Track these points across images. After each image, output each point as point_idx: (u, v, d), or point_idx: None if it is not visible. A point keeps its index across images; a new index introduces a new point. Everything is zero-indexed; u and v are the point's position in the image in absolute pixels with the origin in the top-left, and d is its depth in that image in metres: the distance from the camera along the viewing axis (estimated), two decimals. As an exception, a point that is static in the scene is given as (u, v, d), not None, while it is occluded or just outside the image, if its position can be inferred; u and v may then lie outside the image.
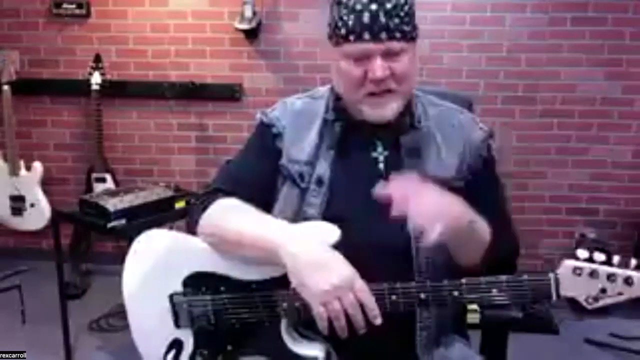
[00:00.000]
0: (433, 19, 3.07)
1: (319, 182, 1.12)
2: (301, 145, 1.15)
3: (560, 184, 3.15)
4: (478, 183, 1.15)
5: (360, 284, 0.94)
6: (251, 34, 3.12)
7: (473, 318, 1.50)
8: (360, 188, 1.11)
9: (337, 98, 1.17)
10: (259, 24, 3.10)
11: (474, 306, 1.54)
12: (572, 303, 3.07)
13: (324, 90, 1.23)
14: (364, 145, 1.15)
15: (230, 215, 1.08)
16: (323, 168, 1.13)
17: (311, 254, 0.96)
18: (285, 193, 1.15)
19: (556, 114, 3.11)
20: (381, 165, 1.14)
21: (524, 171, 3.09)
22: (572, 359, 2.51)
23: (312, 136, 1.15)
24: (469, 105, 1.42)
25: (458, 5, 3.06)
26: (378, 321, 0.94)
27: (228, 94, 3.23)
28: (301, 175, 1.13)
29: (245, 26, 3.03)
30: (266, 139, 1.19)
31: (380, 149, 1.15)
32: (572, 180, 3.16)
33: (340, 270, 0.94)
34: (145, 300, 1.14)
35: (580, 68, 3.05)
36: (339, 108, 1.16)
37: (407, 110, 1.14)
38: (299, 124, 1.18)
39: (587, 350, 2.56)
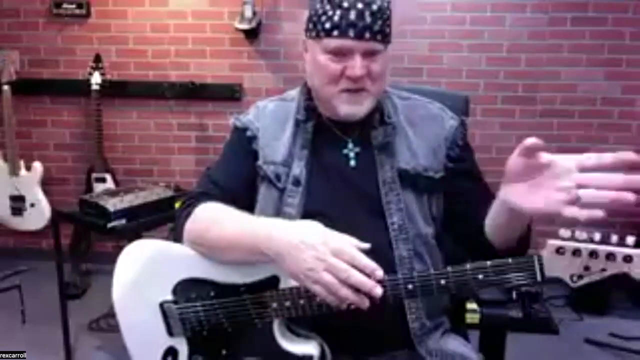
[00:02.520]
0: (433, 19, 3.08)
1: (296, 182, 1.13)
2: (276, 146, 1.17)
3: (560, 184, 3.15)
4: (465, 169, 1.17)
5: (335, 246, 0.89)
6: (251, 34, 3.13)
7: (473, 318, 1.50)
8: (335, 185, 1.14)
9: (308, 98, 1.18)
10: (259, 24, 3.10)
11: (474, 306, 1.54)
12: (572, 302, 3.05)
13: (294, 92, 1.25)
14: (335, 143, 1.17)
15: (212, 219, 1.08)
16: (299, 168, 1.14)
17: (286, 240, 0.93)
18: (264, 193, 1.16)
19: (556, 114, 3.11)
20: (352, 162, 1.16)
21: (524, 171, 3.09)
22: (572, 359, 2.51)
23: (286, 137, 1.17)
24: (465, 103, 1.43)
25: (458, 5, 3.06)
26: (379, 273, 0.89)
27: (228, 94, 3.23)
28: (277, 176, 1.14)
29: (245, 26, 3.03)
30: (242, 142, 1.20)
31: (350, 145, 1.16)
32: (572, 180, 3.15)
33: (313, 243, 0.90)
34: (137, 311, 1.14)
35: (580, 68, 3.05)
36: (309, 108, 1.18)
37: (377, 106, 1.16)
38: (273, 125, 1.19)
39: (587, 350, 2.56)
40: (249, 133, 1.19)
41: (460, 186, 1.15)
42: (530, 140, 0.82)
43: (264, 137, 1.18)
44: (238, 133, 1.22)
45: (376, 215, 1.11)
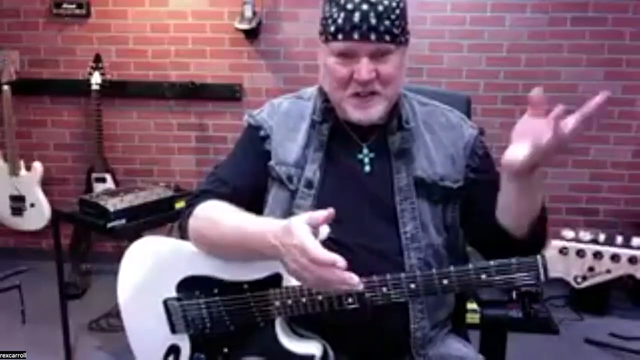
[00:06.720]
0: (433, 19, 3.07)
1: (309, 184, 1.12)
2: (289, 147, 1.15)
3: (560, 184, 3.15)
4: (486, 180, 1.13)
5: (299, 246, 0.85)
6: (251, 34, 3.13)
7: (473, 318, 1.50)
8: (348, 190, 1.12)
9: (325, 99, 1.16)
10: (259, 24, 3.09)
11: (474, 306, 1.53)
12: (572, 302, 3.05)
13: (311, 91, 1.22)
14: (350, 147, 1.15)
15: (210, 219, 1.07)
16: (312, 170, 1.13)
17: (270, 244, 0.92)
18: (275, 194, 1.15)
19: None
20: (367, 168, 1.14)
21: (524, 171, 3.08)
22: (572, 359, 2.50)
23: (300, 138, 1.15)
24: (467, 103, 1.42)
25: (458, 5, 3.06)
26: (341, 264, 0.83)
27: (228, 94, 3.23)
28: (290, 178, 1.13)
29: (245, 26, 3.03)
30: (254, 142, 1.19)
31: (365, 150, 1.15)
32: (572, 180, 3.16)
33: (288, 246, 0.88)
34: (141, 308, 1.14)
35: (580, 68, 3.05)
36: (326, 109, 1.16)
37: (395, 111, 1.14)
38: (287, 125, 1.17)
39: (587, 350, 2.55)
40: (262, 133, 1.18)
41: (480, 196, 1.11)
42: (536, 92, 0.90)
43: (277, 137, 1.16)
44: (251, 131, 1.20)
45: (389, 222, 1.10)
